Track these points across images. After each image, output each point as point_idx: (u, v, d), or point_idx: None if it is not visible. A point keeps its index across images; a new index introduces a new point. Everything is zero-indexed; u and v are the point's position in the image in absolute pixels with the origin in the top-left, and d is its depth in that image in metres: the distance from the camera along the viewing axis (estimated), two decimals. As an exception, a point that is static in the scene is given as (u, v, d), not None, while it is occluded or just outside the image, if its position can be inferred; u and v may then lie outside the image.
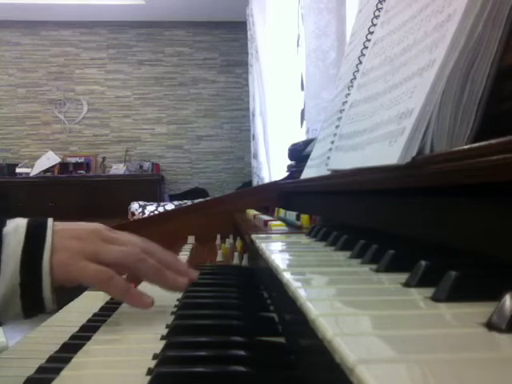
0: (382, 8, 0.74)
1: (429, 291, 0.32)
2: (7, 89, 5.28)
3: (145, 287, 0.83)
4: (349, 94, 0.78)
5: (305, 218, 0.87)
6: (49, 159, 4.99)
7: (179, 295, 0.71)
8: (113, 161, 5.27)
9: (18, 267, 0.53)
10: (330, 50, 1.94)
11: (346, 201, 0.75)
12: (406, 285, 0.35)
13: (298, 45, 2.65)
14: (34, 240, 0.54)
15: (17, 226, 0.55)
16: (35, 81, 5.31)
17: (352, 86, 0.77)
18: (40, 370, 0.47)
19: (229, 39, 5.41)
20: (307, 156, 1.08)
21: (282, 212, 1.09)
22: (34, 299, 0.53)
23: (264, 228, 0.89)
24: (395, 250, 0.41)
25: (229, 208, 1.46)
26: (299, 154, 1.34)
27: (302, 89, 2.38)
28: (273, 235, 0.79)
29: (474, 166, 0.35)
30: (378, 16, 0.74)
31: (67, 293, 0.89)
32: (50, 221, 0.57)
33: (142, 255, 0.58)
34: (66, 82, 5.34)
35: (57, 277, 0.54)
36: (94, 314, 0.68)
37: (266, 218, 0.99)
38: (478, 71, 0.44)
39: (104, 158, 5.24)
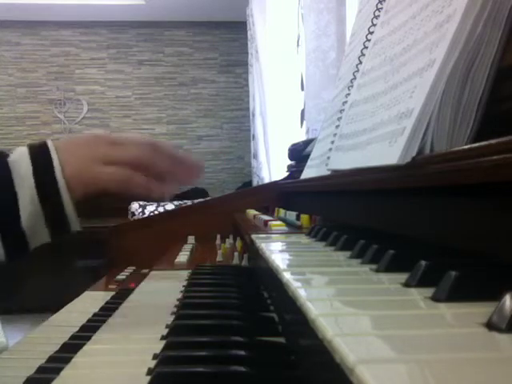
0: (381, 8, 0.74)
1: (429, 291, 0.32)
2: (7, 89, 5.28)
3: (145, 287, 0.84)
4: (349, 94, 0.78)
5: (305, 218, 0.87)
6: (49, 159, 4.99)
7: (179, 295, 0.71)
8: (113, 161, 5.27)
9: (35, 192, 0.52)
10: (330, 50, 1.94)
11: (346, 201, 0.75)
12: (406, 285, 0.35)
13: (298, 45, 2.65)
14: (41, 161, 0.54)
15: (20, 154, 0.54)
16: (35, 81, 5.31)
17: (352, 86, 0.77)
18: (40, 369, 0.47)
19: (229, 39, 5.41)
20: (307, 156, 1.08)
21: (282, 212, 1.09)
22: (57, 218, 0.53)
23: (264, 228, 0.89)
24: (395, 249, 0.41)
25: (229, 208, 1.46)
26: (299, 154, 1.34)
27: (302, 89, 2.38)
28: (273, 235, 0.79)
29: (474, 166, 0.35)
30: (378, 16, 0.74)
31: (68, 292, 0.89)
32: (49, 140, 0.56)
33: (151, 155, 0.57)
34: (66, 81, 5.34)
35: (76, 189, 0.53)
36: (94, 314, 0.68)
37: (266, 217, 0.99)
38: (478, 71, 0.44)
39: (104, 158, 5.24)
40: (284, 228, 0.85)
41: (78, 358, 0.46)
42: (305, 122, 2.28)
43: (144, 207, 3.98)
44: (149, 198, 0.61)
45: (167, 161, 0.58)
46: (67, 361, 0.45)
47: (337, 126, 0.80)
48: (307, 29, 2.05)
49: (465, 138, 0.44)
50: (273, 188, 1.48)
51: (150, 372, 0.41)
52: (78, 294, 0.87)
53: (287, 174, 1.50)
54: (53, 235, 0.54)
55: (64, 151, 0.55)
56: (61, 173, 0.53)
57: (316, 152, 1.00)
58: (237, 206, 1.45)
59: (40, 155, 0.54)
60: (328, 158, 0.79)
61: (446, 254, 0.41)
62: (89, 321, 0.65)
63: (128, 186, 0.55)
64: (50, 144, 0.56)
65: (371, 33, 0.75)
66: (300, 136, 2.36)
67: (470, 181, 0.36)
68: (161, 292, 0.79)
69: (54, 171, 0.53)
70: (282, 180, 1.50)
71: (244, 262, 0.98)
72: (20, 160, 0.54)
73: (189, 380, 0.40)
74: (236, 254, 1.05)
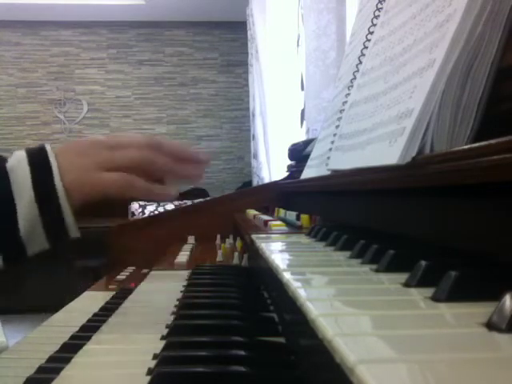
0: (382, 8, 0.74)
1: (429, 291, 0.32)
2: (7, 89, 5.28)
3: (144, 287, 0.84)
4: (349, 94, 0.78)
5: (305, 218, 0.87)
6: (49, 159, 4.99)
7: (179, 295, 0.71)
8: (113, 161, 5.27)
9: (34, 197, 0.51)
10: (330, 50, 1.94)
11: (345, 201, 0.75)
12: (406, 285, 0.35)
13: (298, 45, 2.65)
14: (40, 168, 0.53)
15: (18, 160, 0.54)
16: (35, 81, 5.31)
17: (352, 86, 0.77)
18: (40, 369, 0.47)
19: (229, 39, 5.41)
20: (307, 156, 1.07)
21: (282, 212, 1.09)
22: (55, 225, 0.52)
23: (264, 228, 0.89)
24: (395, 249, 0.41)
25: (229, 208, 1.46)
26: (299, 154, 1.34)
27: (302, 89, 2.38)
28: (273, 235, 0.79)
29: (474, 166, 0.35)
30: (378, 16, 0.74)
31: (68, 292, 0.89)
32: (48, 146, 0.55)
33: (152, 156, 0.56)
34: (66, 81, 5.34)
35: (75, 197, 0.53)
36: (94, 314, 0.68)
37: (266, 217, 0.99)
38: (478, 71, 0.44)
39: (104, 158, 5.24)
40: (284, 228, 0.85)
41: (78, 358, 0.46)
42: (305, 122, 2.28)
43: (144, 207, 3.98)
44: (149, 200, 0.61)
45: (168, 159, 0.57)
46: (67, 361, 0.45)
47: (337, 126, 0.80)
48: (307, 29, 2.05)
49: (465, 138, 0.44)
50: (273, 188, 1.48)
51: (150, 372, 0.41)
52: (78, 294, 0.87)
53: (287, 174, 1.50)
54: (51, 242, 0.53)
55: (63, 157, 0.54)
56: (60, 180, 0.52)
57: (316, 152, 1.00)
58: (237, 206, 1.45)
59: (39, 161, 0.54)
60: (328, 158, 0.79)
61: (446, 254, 0.41)
62: (89, 321, 0.65)
63: (128, 191, 0.55)
64: (48, 149, 0.55)
65: (371, 33, 0.75)
66: (300, 136, 2.36)
67: (470, 181, 0.36)
68: (161, 292, 0.79)
69: (53, 178, 0.52)
70: (281, 180, 1.50)
71: (244, 262, 0.98)
72: (18, 166, 0.53)
73: (189, 380, 0.40)
74: (236, 254, 1.05)
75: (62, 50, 5.35)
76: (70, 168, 0.54)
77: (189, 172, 0.59)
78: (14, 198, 0.52)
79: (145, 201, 3.89)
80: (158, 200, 0.57)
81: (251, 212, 1.24)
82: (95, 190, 0.54)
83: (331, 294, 0.37)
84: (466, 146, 0.39)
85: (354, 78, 0.77)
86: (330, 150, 0.79)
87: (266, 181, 3.40)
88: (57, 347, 0.53)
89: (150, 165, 0.56)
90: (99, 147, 0.56)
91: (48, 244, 0.53)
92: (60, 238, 0.54)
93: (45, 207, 0.52)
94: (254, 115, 4.09)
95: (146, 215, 3.79)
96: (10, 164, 0.54)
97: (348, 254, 0.50)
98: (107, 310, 0.67)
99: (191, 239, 1.37)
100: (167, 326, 0.54)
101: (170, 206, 3.88)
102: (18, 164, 0.53)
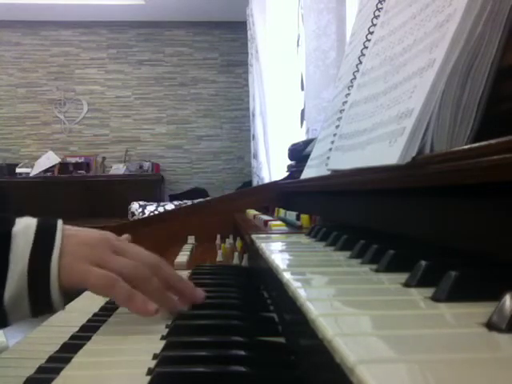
0: (381, 8, 0.74)
1: (429, 291, 0.32)
2: (7, 89, 5.28)
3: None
4: (349, 94, 0.78)
5: (305, 218, 0.87)
6: (49, 159, 4.99)
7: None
8: (113, 161, 5.27)
9: (26, 269, 0.52)
10: (330, 50, 1.94)
11: (345, 201, 0.75)
12: (406, 285, 0.35)
13: (298, 45, 2.65)
14: (43, 243, 0.53)
15: (26, 227, 0.54)
16: (35, 81, 5.31)
17: (352, 86, 0.77)
18: (40, 369, 0.47)
19: (229, 39, 5.41)
20: (307, 156, 1.08)
21: (282, 212, 1.09)
22: (41, 301, 0.53)
23: (264, 228, 0.89)
24: (395, 249, 0.41)
25: (229, 208, 1.46)
26: (299, 154, 1.34)
27: (302, 89, 2.38)
28: (273, 235, 0.79)
29: (474, 166, 0.35)
30: (378, 16, 0.74)
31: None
32: (59, 224, 0.56)
33: (147, 273, 0.56)
34: (66, 81, 5.34)
35: (62, 280, 0.53)
36: (94, 314, 0.68)
37: (266, 217, 0.99)
38: (478, 71, 0.44)
39: (104, 158, 5.24)
40: (284, 228, 0.85)
41: (78, 358, 0.46)
42: (305, 122, 2.28)
43: (144, 207, 3.98)
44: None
45: (161, 284, 0.57)
46: (67, 361, 0.45)
47: (337, 126, 0.80)
48: (307, 29, 2.05)
49: (465, 138, 0.44)
50: (273, 188, 1.48)
51: (150, 372, 0.41)
52: (77, 294, 0.87)
53: (287, 173, 1.50)
54: (35, 314, 0.54)
55: (69, 240, 0.55)
56: (57, 261, 0.53)
57: (316, 152, 1.00)
58: (237, 206, 1.45)
59: (44, 236, 0.54)
60: (328, 158, 0.79)
61: (446, 254, 0.41)
62: (89, 321, 0.64)
63: (110, 292, 0.55)
64: (59, 227, 0.55)
65: (371, 33, 0.75)
66: (300, 136, 2.36)
67: (470, 181, 0.36)
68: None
69: (51, 258, 0.53)
70: (281, 180, 1.50)
71: (244, 262, 0.98)
72: (24, 234, 0.53)
73: (189, 380, 0.40)
74: (236, 254, 1.05)
75: (62, 50, 5.35)
76: (70, 253, 0.54)
77: (173, 304, 0.58)
78: (8, 265, 0.51)
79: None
80: (135, 312, 0.56)
81: (251, 212, 1.24)
82: (80, 280, 0.54)
83: (331, 294, 0.37)
84: (465, 146, 0.39)
85: (354, 77, 0.77)
86: (330, 150, 0.79)
87: (266, 181, 3.40)
88: (57, 347, 0.53)
89: (140, 282, 0.56)
90: (105, 246, 0.56)
91: (31, 315, 0.53)
92: (44, 311, 0.54)
93: (34, 282, 0.52)
94: (254, 115, 4.09)
95: (145, 215, 3.79)
96: (16, 228, 0.54)
97: (348, 254, 0.50)
98: (107, 310, 0.67)
99: (191, 239, 1.36)
100: (167, 326, 0.54)
101: (170, 206, 3.88)
102: (24, 232, 0.54)
